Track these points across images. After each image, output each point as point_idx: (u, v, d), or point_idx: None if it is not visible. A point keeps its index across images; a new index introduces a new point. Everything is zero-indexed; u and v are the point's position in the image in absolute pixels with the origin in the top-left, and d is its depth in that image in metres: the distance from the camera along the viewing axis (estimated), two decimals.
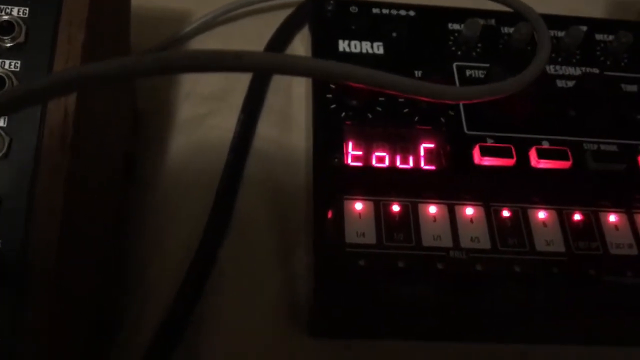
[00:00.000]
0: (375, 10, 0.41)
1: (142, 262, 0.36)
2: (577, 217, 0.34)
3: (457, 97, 0.24)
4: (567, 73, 0.40)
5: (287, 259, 0.37)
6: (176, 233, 0.37)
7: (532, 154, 0.35)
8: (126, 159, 0.38)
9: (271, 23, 0.46)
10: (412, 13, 0.42)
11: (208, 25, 0.46)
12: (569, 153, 0.36)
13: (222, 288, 0.36)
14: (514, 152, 0.35)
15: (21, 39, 0.26)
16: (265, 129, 0.42)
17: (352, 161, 0.35)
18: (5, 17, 0.26)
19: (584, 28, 0.41)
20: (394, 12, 0.41)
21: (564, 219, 0.34)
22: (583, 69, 0.40)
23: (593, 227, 0.34)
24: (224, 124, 0.41)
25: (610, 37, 0.41)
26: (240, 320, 0.35)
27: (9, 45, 0.26)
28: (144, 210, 0.38)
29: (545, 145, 0.36)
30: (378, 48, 0.39)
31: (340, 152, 0.35)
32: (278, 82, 0.44)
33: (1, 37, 0.26)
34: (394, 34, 0.40)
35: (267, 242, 0.38)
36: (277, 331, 0.35)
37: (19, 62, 0.26)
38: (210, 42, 0.46)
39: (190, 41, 0.46)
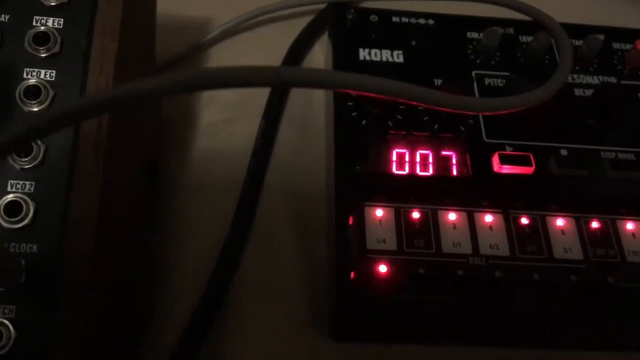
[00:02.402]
0: (394, 19, 0.42)
1: (167, 266, 0.37)
2: (594, 224, 0.35)
3: (484, 109, 0.24)
4: (585, 82, 0.40)
5: (308, 263, 0.38)
6: (200, 237, 0.38)
7: (551, 161, 0.36)
8: (150, 164, 0.39)
9: (292, 30, 0.47)
10: (431, 22, 0.42)
11: (230, 33, 0.46)
12: (587, 161, 0.36)
13: (245, 291, 0.36)
14: (532, 160, 0.35)
15: (56, 49, 0.27)
16: (286, 136, 0.43)
17: (373, 168, 0.35)
18: (41, 28, 0.27)
19: (602, 37, 0.41)
20: (413, 20, 0.42)
21: (582, 227, 0.34)
22: (601, 77, 0.40)
23: (610, 235, 0.34)
24: (245, 131, 0.42)
25: (628, 46, 0.42)
26: (263, 324, 0.35)
27: (44, 55, 0.27)
28: (167, 215, 0.39)
29: (564, 153, 0.36)
30: (398, 56, 0.40)
31: (362, 160, 0.35)
32: (298, 89, 0.45)
33: (37, 47, 0.27)
34: (414, 43, 0.41)
35: (289, 246, 0.38)
36: (299, 334, 0.35)
37: (54, 71, 0.27)
38: (232, 49, 0.46)
39: (212, 48, 0.46)
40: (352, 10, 0.42)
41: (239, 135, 0.42)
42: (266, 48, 0.46)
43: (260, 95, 0.43)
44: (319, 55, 0.47)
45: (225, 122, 0.43)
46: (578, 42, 0.41)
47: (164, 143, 0.42)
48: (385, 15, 0.42)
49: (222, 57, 0.46)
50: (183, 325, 0.34)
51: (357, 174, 0.35)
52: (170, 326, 0.35)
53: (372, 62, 0.40)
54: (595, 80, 0.40)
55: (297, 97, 0.44)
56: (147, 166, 0.38)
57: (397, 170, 0.36)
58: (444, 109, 0.22)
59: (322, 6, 0.48)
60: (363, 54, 0.40)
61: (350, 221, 0.33)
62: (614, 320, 0.33)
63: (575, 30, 0.42)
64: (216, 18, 0.47)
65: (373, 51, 0.40)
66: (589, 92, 0.39)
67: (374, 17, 0.42)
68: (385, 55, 0.40)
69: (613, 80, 0.40)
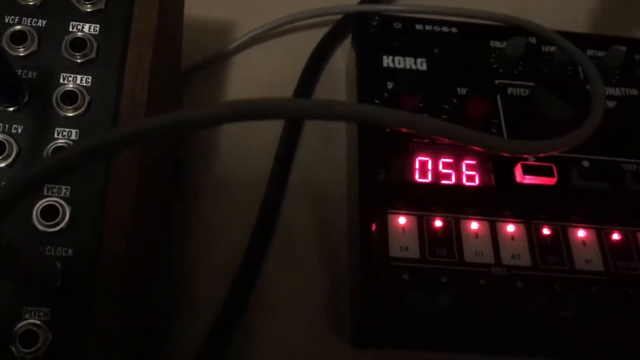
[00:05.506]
0: (418, 27, 0.42)
1: (189, 268, 0.37)
2: (615, 236, 0.35)
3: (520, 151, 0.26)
4: (607, 94, 0.40)
5: (330, 269, 0.38)
6: (222, 240, 0.38)
7: (573, 173, 0.36)
8: (174, 166, 0.39)
9: (318, 38, 0.47)
10: (454, 30, 0.42)
11: (256, 40, 0.47)
12: (609, 173, 0.36)
13: (266, 296, 0.37)
14: (555, 171, 0.36)
15: (92, 55, 0.28)
16: (308, 140, 0.43)
17: (396, 176, 0.35)
18: (78, 34, 0.27)
19: (624, 49, 0.41)
20: (436, 28, 0.42)
21: (602, 239, 0.35)
22: (623, 90, 0.40)
23: (631, 247, 0.35)
24: (269, 134, 0.42)
25: None
26: (283, 329, 0.36)
27: (80, 61, 0.27)
28: (190, 216, 0.39)
29: (586, 164, 0.37)
30: (421, 64, 0.40)
31: (385, 167, 0.35)
32: (320, 94, 0.45)
33: (73, 53, 0.27)
34: (437, 50, 0.41)
35: (311, 252, 0.39)
36: (318, 340, 0.35)
37: (90, 77, 0.27)
38: (258, 55, 0.46)
39: (238, 55, 0.46)
40: (376, 17, 0.42)
41: (263, 137, 0.42)
42: (292, 54, 0.46)
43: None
44: (341, 61, 0.47)
45: (248, 124, 0.43)
46: (600, 54, 0.42)
47: (188, 144, 0.42)
48: (408, 22, 0.42)
49: (247, 62, 0.46)
50: (205, 328, 0.35)
51: (381, 181, 0.35)
52: (193, 329, 0.35)
53: (395, 69, 0.40)
54: (617, 92, 0.40)
55: None
56: (171, 167, 0.38)
57: (420, 178, 0.36)
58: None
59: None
60: (387, 60, 0.40)
61: (374, 228, 0.34)
62: (634, 331, 0.33)
63: (597, 42, 0.42)
64: (241, 22, 0.47)
65: (397, 58, 0.40)
66: (611, 104, 0.40)
67: (397, 25, 0.42)
68: (408, 62, 0.40)
69: (635, 92, 0.40)
